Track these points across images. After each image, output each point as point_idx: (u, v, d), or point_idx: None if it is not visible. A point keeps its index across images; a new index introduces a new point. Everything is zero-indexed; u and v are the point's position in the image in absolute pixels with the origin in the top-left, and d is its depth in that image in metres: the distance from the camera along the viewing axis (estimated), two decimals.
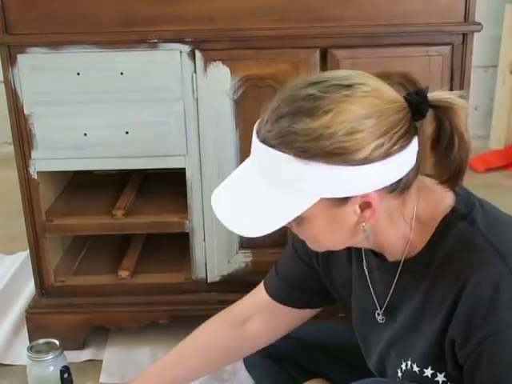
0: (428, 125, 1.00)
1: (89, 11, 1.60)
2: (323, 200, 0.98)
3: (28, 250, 1.83)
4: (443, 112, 0.98)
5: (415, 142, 0.99)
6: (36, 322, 1.84)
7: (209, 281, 1.82)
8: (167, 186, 1.99)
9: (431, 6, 1.61)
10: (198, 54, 1.62)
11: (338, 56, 1.61)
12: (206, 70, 1.63)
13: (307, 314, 1.36)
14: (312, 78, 1.01)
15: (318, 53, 1.62)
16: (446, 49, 1.62)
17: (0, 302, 2.10)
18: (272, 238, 1.79)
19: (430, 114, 0.99)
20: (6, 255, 2.42)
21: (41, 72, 1.64)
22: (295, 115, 0.97)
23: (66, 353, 1.60)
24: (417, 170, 1.02)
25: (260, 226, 1.02)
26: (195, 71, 1.64)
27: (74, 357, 1.80)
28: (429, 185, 1.07)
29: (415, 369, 1.08)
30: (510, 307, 0.97)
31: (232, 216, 1.03)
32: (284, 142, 0.96)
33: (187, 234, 1.79)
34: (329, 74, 1.05)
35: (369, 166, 0.95)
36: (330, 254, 1.22)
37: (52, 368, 1.57)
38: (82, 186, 2.06)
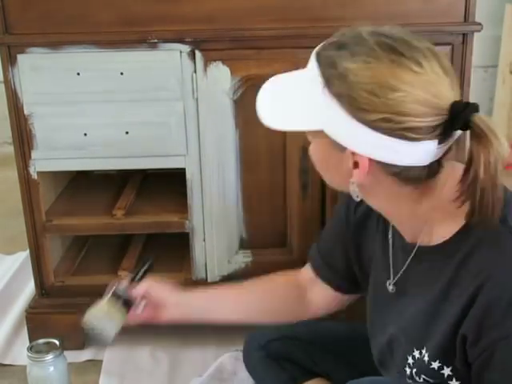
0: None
1: (89, 11, 1.60)
2: (325, 134, 1.01)
3: (28, 250, 1.83)
4: (475, 138, 0.95)
5: (432, 145, 0.97)
6: (36, 322, 1.84)
7: (209, 281, 1.82)
8: (167, 185, 1.99)
9: (431, 6, 1.61)
10: (198, 53, 1.62)
11: None
12: (206, 70, 1.63)
13: (339, 297, 1.39)
14: (400, 31, 1.00)
15: None
16: (446, 49, 1.62)
17: (0, 302, 2.10)
18: (272, 239, 1.80)
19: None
20: (6, 255, 2.42)
21: (41, 72, 1.64)
22: (345, 47, 0.99)
23: (66, 353, 1.61)
24: (430, 173, 1.01)
25: (280, 124, 1.07)
26: (195, 71, 1.64)
27: (74, 357, 1.80)
28: None
29: (426, 358, 1.08)
30: None
31: (265, 107, 1.09)
32: (323, 64, 1.00)
33: (187, 234, 1.79)
34: (416, 38, 1.01)
35: (369, 130, 0.96)
36: (362, 229, 1.24)
37: (52, 368, 1.57)
38: (82, 186, 2.06)
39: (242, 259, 1.80)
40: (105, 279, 1.86)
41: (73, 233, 1.96)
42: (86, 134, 1.68)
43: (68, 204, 1.93)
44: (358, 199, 1.08)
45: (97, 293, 1.84)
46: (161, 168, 1.83)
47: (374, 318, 1.26)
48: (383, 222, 1.19)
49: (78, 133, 1.68)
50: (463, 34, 1.62)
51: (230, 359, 1.65)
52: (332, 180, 1.10)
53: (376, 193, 1.06)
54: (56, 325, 1.82)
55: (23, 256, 2.34)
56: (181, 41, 1.62)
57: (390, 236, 1.18)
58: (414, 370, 1.10)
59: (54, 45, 1.62)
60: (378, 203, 1.09)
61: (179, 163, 1.72)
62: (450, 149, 1.00)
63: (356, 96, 0.96)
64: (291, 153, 1.71)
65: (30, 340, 1.79)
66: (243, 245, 1.80)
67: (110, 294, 1.36)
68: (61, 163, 1.74)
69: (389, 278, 1.17)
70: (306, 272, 1.40)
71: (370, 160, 0.99)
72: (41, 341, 1.60)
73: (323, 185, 1.73)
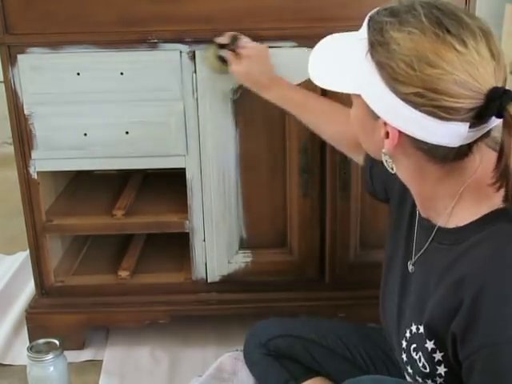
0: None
1: (89, 11, 1.60)
2: (364, 101, 1.02)
3: (28, 250, 1.83)
4: (507, 127, 0.93)
5: (463, 127, 0.95)
6: (36, 322, 1.84)
7: (209, 281, 1.82)
8: (167, 185, 1.99)
9: None
10: (198, 53, 1.62)
11: None
12: (206, 69, 1.63)
13: None
14: (455, 6, 0.99)
15: None
16: None
17: (0, 302, 2.10)
18: (272, 239, 1.80)
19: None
20: (6, 255, 2.42)
21: (41, 72, 1.64)
22: (396, 14, 0.98)
23: (66, 353, 1.61)
24: (457, 155, 0.99)
25: (324, 82, 1.10)
26: (195, 71, 1.64)
27: (74, 357, 1.80)
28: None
29: (422, 335, 1.07)
30: None
31: (313, 64, 1.13)
32: (372, 28, 1.00)
33: (187, 233, 1.79)
34: (470, 15, 0.98)
35: (402, 102, 0.96)
36: (403, 192, 1.22)
37: (52, 368, 1.57)
38: (82, 185, 2.06)
39: (242, 259, 1.80)
40: (105, 279, 1.88)
41: (73, 233, 1.96)
42: (86, 134, 1.68)
43: (68, 204, 1.93)
44: (393, 171, 1.08)
45: (97, 293, 1.85)
46: (161, 168, 1.83)
47: (385, 294, 1.25)
48: (413, 205, 1.18)
49: (78, 133, 1.68)
50: None
51: (230, 359, 1.65)
52: (367, 147, 1.12)
53: (404, 165, 1.06)
54: (56, 325, 1.82)
55: (23, 256, 2.34)
56: (181, 41, 1.62)
57: (416, 218, 1.16)
58: (413, 346, 1.09)
59: (54, 45, 1.62)
60: (405, 176, 1.09)
61: (179, 163, 1.72)
62: (486, 134, 0.98)
63: (394, 66, 0.95)
64: (291, 153, 1.71)
65: (30, 340, 1.79)
66: (243, 245, 1.80)
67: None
68: (61, 163, 1.74)
69: (410, 258, 1.16)
70: None
71: (400, 132, 0.99)
72: (41, 341, 1.60)
73: (323, 185, 1.73)
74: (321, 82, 1.09)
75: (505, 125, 0.93)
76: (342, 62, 1.06)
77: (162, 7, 1.60)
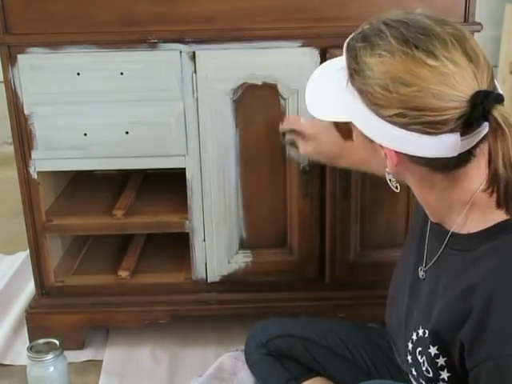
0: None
1: (89, 11, 1.60)
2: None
3: (28, 250, 1.83)
4: (492, 131, 0.92)
5: (454, 137, 0.94)
6: (36, 322, 1.84)
7: (209, 281, 1.82)
8: (167, 185, 1.99)
9: (431, 6, 1.60)
10: (198, 53, 1.62)
11: (338, 56, 1.61)
12: (206, 70, 1.63)
13: None
14: (424, 17, 1.01)
15: (317, 53, 1.62)
16: None
17: (0, 302, 2.10)
18: (272, 239, 1.80)
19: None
20: (6, 255, 2.42)
21: (41, 72, 1.64)
22: (367, 39, 0.99)
23: (66, 353, 1.61)
24: (459, 163, 0.98)
25: (318, 113, 1.12)
26: (195, 71, 1.64)
27: (74, 357, 1.80)
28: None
29: (426, 337, 1.07)
30: None
31: (307, 95, 1.14)
32: (349, 56, 1.02)
33: (187, 233, 1.79)
34: (441, 23, 1.00)
35: (389, 125, 0.96)
36: (416, 207, 1.23)
37: (52, 368, 1.57)
38: (82, 185, 2.06)
39: (242, 259, 1.80)
40: (105, 279, 1.88)
41: (73, 233, 1.96)
42: (86, 134, 1.68)
43: (68, 204, 1.93)
44: (397, 190, 1.09)
45: (97, 293, 1.85)
46: (161, 168, 1.83)
47: (394, 297, 1.25)
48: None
49: (78, 133, 1.68)
50: None
51: (230, 359, 1.65)
52: (375, 168, 1.13)
53: (409, 180, 1.07)
54: (56, 325, 1.82)
55: (23, 256, 2.34)
56: (181, 41, 1.62)
57: (429, 223, 1.16)
58: (418, 349, 1.09)
59: (54, 45, 1.62)
60: (413, 189, 1.09)
61: (179, 163, 1.72)
62: (484, 138, 0.96)
63: (372, 91, 0.96)
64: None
65: (30, 340, 1.79)
66: (243, 245, 1.80)
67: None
68: (61, 163, 1.74)
69: (421, 263, 1.16)
70: None
71: (397, 152, 0.99)
72: (41, 341, 1.60)
73: (323, 185, 1.73)
74: (316, 113, 1.11)
75: (490, 129, 0.92)
76: (329, 92, 1.08)
77: (161, 7, 1.60)
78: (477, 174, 1.01)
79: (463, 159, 0.98)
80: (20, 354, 1.83)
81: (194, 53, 1.63)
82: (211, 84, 1.64)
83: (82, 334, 1.86)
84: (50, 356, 1.56)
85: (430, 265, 1.13)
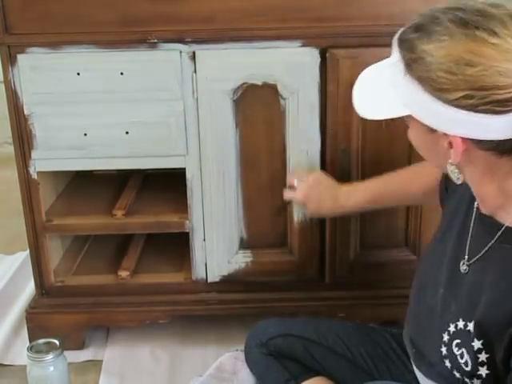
0: None
1: (89, 11, 1.60)
2: (415, 119, 1.02)
3: (28, 250, 1.83)
4: None
5: None
6: (36, 322, 1.84)
7: (209, 281, 1.82)
8: (167, 185, 1.99)
9: (431, 6, 1.61)
10: (198, 53, 1.62)
11: (338, 56, 1.61)
12: (206, 70, 1.63)
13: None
14: (477, 1, 0.99)
15: (318, 53, 1.62)
16: None
17: (0, 302, 2.10)
18: (272, 239, 1.80)
19: None
20: (6, 255, 2.42)
21: (41, 72, 1.64)
22: (422, 28, 0.99)
23: (66, 353, 1.61)
24: None
25: (372, 113, 1.10)
26: (195, 71, 1.64)
27: (74, 357, 1.80)
28: None
29: (469, 330, 1.05)
30: None
31: (358, 99, 1.13)
32: (403, 49, 1.01)
33: (187, 233, 1.79)
34: (495, 4, 0.98)
35: (454, 109, 0.95)
36: (460, 199, 1.21)
37: (52, 368, 1.57)
38: (82, 185, 2.06)
39: (242, 259, 1.80)
40: (105, 279, 1.88)
41: (73, 233, 1.96)
42: (86, 134, 1.68)
43: (68, 204, 1.93)
44: (459, 181, 1.07)
45: (97, 293, 1.85)
46: (161, 168, 1.83)
47: (424, 284, 1.23)
48: (469, 201, 1.16)
49: (78, 133, 1.68)
50: None
51: (230, 359, 1.65)
52: (435, 163, 1.11)
53: (472, 170, 1.04)
54: (56, 325, 1.82)
55: (23, 256, 2.34)
56: (181, 41, 1.62)
57: (473, 215, 1.14)
58: (456, 341, 1.08)
59: (54, 45, 1.62)
60: (474, 179, 1.07)
61: (179, 163, 1.72)
62: None
63: (435, 77, 0.95)
64: (291, 153, 1.71)
65: (30, 340, 1.79)
66: (243, 245, 1.80)
67: None
68: (61, 163, 1.74)
69: (463, 258, 1.13)
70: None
71: (463, 138, 0.98)
72: (41, 341, 1.60)
73: None
74: (371, 115, 1.09)
75: None
76: (384, 90, 1.06)
77: (162, 7, 1.60)
78: None
79: None
80: (20, 354, 1.83)
81: (194, 53, 1.63)
82: (211, 84, 1.64)
83: (81, 334, 1.86)
84: (50, 356, 1.56)
85: (475, 259, 1.10)
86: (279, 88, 1.65)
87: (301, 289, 1.83)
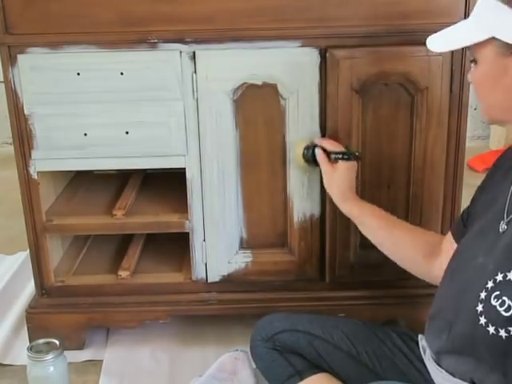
0: None
1: (89, 11, 1.60)
2: (494, 43, 1.09)
3: (28, 250, 1.83)
4: None
5: None
6: (36, 322, 1.84)
7: (209, 281, 1.82)
8: (167, 185, 1.99)
9: (431, 6, 1.61)
10: (198, 53, 1.62)
11: (338, 56, 1.61)
12: (206, 70, 1.63)
13: None
14: None
15: (317, 53, 1.62)
16: None
17: (0, 302, 2.10)
18: (272, 239, 1.80)
19: None
20: (6, 255, 2.42)
21: (41, 72, 1.64)
22: None
23: (66, 353, 1.61)
24: None
25: (444, 45, 1.22)
26: (195, 71, 1.64)
27: (74, 357, 1.80)
28: None
29: (510, 278, 1.07)
30: None
31: (436, 37, 1.25)
32: None
33: (187, 233, 1.79)
34: None
35: None
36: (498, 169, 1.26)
37: (52, 368, 1.57)
38: (82, 185, 2.06)
39: (242, 259, 1.80)
40: (105, 279, 1.88)
41: (73, 233, 1.97)
42: (86, 134, 1.68)
43: (68, 204, 1.93)
44: None
45: (97, 293, 1.85)
46: (161, 168, 1.83)
47: (465, 257, 1.24)
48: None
49: (78, 133, 1.68)
50: None
51: (230, 359, 1.65)
52: (495, 100, 1.16)
53: None
54: (56, 325, 1.82)
55: (23, 256, 2.34)
56: (181, 41, 1.62)
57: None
58: (495, 293, 1.09)
59: (54, 45, 1.62)
60: None
61: (179, 163, 1.72)
62: None
63: None
64: (291, 152, 1.71)
65: (30, 340, 1.79)
66: (243, 245, 1.80)
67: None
68: (61, 163, 1.74)
69: (502, 219, 1.16)
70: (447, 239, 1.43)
71: None
72: (41, 341, 1.60)
73: (323, 185, 1.73)
74: (448, 45, 1.19)
75: None
76: (466, 21, 1.16)
77: (162, 7, 1.60)
78: None
79: None
80: (20, 354, 1.83)
81: (194, 53, 1.63)
82: (211, 84, 1.64)
83: (82, 334, 1.86)
84: (50, 356, 1.56)
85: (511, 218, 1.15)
86: (279, 88, 1.65)
87: (301, 289, 1.83)
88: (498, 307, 1.08)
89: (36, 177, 1.73)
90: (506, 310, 1.07)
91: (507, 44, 1.09)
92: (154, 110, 1.67)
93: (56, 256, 1.91)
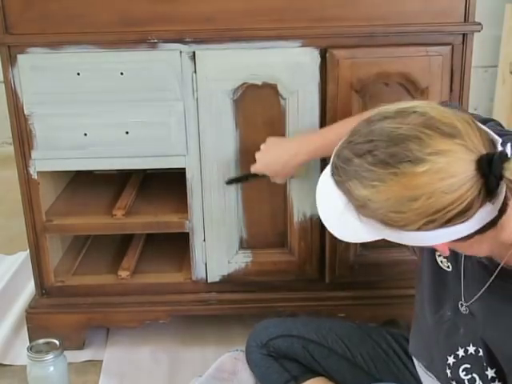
0: None
1: (89, 11, 1.60)
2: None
3: (28, 250, 1.83)
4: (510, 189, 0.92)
5: (488, 207, 0.93)
6: (36, 322, 1.84)
7: (209, 281, 1.82)
8: (167, 185, 1.99)
9: (431, 6, 1.61)
10: (198, 53, 1.62)
11: (338, 56, 1.61)
12: (205, 70, 1.63)
13: None
14: (387, 131, 0.95)
15: (317, 53, 1.62)
16: (446, 49, 1.62)
17: (0, 302, 2.10)
18: (272, 239, 1.80)
19: None
20: (6, 255, 2.42)
21: (41, 72, 1.64)
22: (349, 174, 0.96)
23: (66, 353, 1.61)
24: (499, 215, 0.95)
25: (353, 238, 1.08)
26: (195, 71, 1.64)
27: (74, 357, 1.80)
28: None
29: (481, 356, 1.07)
30: None
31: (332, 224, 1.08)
32: (342, 190, 0.99)
33: (187, 233, 1.79)
34: (407, 127, 0.94)
35: (423, 232, 0.94)
36: None
37: (52, 368, 1.57)
38: (82, 185, 2.06)
39: (242, 259, 1.80)
40: (105, 279, 1.88)
41: (73, 233, 1.97)
42: (86, 134, 1.68)
43: (68, 204, 1.93)
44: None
45: (97, 293, 1.85)
46: (161, 168, 1.83)
47: (434, 293, 1.22)
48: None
49: (78, 133, 1.68)
50: (463, 34, 1.62)
51: (230, 359, 1.64)
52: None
53: (466, 249, 1.04)
54: (56, 325, 1.82)
55: (23, 256, 2.33)
56: (181, 41, 1.62)
57: (462, 259, 1.14)
58: (464, 366, 1.09)
59: (54, 45, 1.62)
60: (477, 250, 1.04)
61: (179, 163, 1.72)
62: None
63: (387, 219, 0.94)
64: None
65: (30, 340, 1.79)
66: (243, 245, 1.80)
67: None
68: (61, 163, 1.74)
69: (460, 300, 1.14)
70: None
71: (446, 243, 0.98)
72: (41, 341, 1.60)
73: None
74: (350, 239, 1.08)
75: (508, 188, 0.92)
76: (353, 224, 1.01)
77: (162, 7, 1.60)
78: None
79: (502, 209, 0.95)
80: (20, 354, 1.83)
81: (194, 53, 1.63)
82: (211, 84, 1.64)
83: (81, 334, 1.86)
84: (50, 356, 1.56)
85: (474, 299, 1.11)
86: (279, 88, 1.65)
87: (301, 289, 1.83)
88: (467, 383, 1.09)
89: (36, 177, 1.73)
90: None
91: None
92: (154, 110, 1.67)
93: (56, 256, 1.91)
